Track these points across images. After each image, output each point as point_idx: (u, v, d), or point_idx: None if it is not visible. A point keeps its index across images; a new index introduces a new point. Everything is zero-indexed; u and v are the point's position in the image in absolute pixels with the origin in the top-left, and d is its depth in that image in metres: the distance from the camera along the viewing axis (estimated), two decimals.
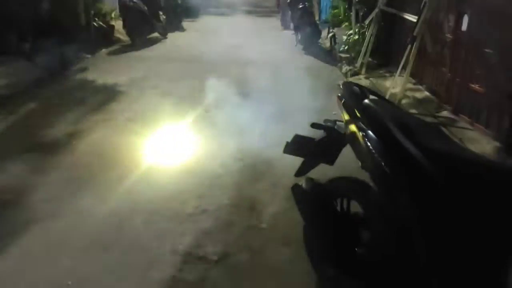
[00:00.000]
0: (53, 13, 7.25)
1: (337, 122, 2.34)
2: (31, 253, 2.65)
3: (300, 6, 9.49)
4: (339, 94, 2.28)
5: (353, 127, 2.04)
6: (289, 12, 10.14)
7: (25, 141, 4.29)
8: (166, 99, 5.65)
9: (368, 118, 2.02)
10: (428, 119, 4.53)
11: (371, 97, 2.14)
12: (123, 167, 3.76)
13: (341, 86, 2.33)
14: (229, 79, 6.75)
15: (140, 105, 5.41)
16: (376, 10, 6.39)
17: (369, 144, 1.93)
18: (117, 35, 9.67)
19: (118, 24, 9.69)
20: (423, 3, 4.65)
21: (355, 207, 2.16)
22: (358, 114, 2.07)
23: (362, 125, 2.02)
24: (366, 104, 2.05)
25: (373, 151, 1.90)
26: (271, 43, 9.84)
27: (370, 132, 1.95)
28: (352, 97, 2.17)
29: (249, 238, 2.83)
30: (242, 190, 3.42)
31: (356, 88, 2.24)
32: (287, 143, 2.41)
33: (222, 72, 7.15)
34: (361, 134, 1.99)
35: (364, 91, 2.22)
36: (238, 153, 4.05)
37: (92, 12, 8.62)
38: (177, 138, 4.50)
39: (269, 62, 7.98)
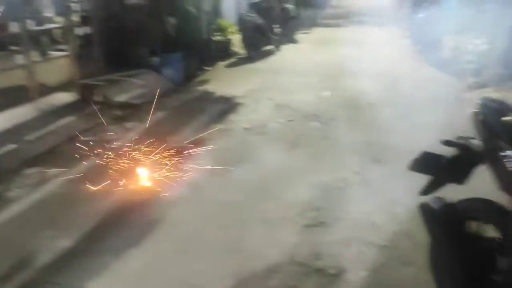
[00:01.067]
0: (179, 28, 7.83)
1: (471, 139, 2.19)
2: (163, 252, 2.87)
3: (421, 15, 9.07)
4: (476, 110, 2.14)
5: (492, 146, 1.90)
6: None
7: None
8: (282, 111, 5.76)
9: (509, 136, 1.87)
10: None
11: None
12: (242, 177, 3.91)
13: (478, 101, 2.18)
14: (343, 91, 6.70)
15: (257, 116, 5.59)
16: (507, 18, 5.87)
17: (510, 165, 1.79)
18: (234, 48, 10.13)
19: (235, 38, 10.16)
20: None
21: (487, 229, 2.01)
22: (497, 132, 1.92)
23: (503, 143, 1.87)
24: (507, 121, 1.90)
25: None
26: (387, 54, 9.52)
27: (511, 152, 1.81)
28: (490, 114, 2.02)
29: (368, 254, 2.76)
30: (360, 206, 3.36)
31: (495, 103, 2.08)
32: (414, 159, 2.32)
33: (336, 84, 7.12)
34: (501, 153, 1.85)
35: (504, 107, 2.05)
36: (358, 171, 3.98)
37: (213, 27, 9.14)
38: (292, 155, 4.53)
39: (385, 73, 7.74)
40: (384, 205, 3.36)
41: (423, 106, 5.81)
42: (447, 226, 2.09)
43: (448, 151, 2.24)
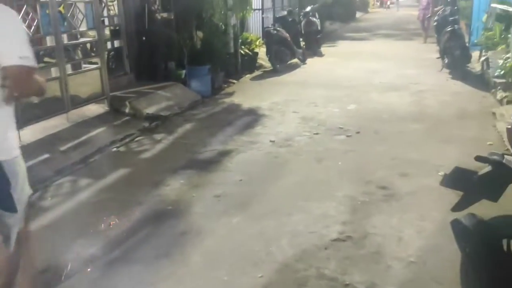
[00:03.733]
0: (206, 42, 7.97)
1: (505, 156, 2.17)
2: (188, 264, 2.91)
3: (449, 29, 8.99)
4: (509, 126, 2.12)
5: None
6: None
7: (183, 158, 4.76)
8: (307, 124, 5.78)
9: None
10: None
11: None
12: (269, 190, 3.94)
13: (511, 118, 2.17)
14: (369, 104, 6.68)
15: (283, 129, 5.62)
16: None
17: None
18: (260, 61, 10.22)
19: (261, 51, 10.25)
20: None
21: None
22: None
23: None
24: None
25: None
26: (413, 67, 9.48)
27: None
28: None
29: (397, 270, 2.74)
30: (386, 220, 3.33)
31: None
32: (446, 175, 2.30)
33: (361, 98, 7.10)
34: None
35: None
36: (385, 185, 3.96)
37: (239, 40, 9.26)
38: (318, 169, 4.53)
39: (411, 87, 7.70)
40: (411, 220, 3.32)
41: (451, 120, 5.76)
42: (481, 244, 2.07)
43: (480, 167, 2.22)
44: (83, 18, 5.99)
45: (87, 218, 3.50)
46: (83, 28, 6.05)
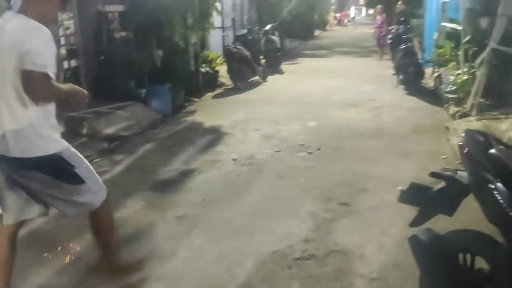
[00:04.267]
0: (166, 60, 7.92)
1: (458, 171, 2.25)
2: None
3: (402, 46, 9.34)
4: (461, 143, 2.20)
5: (479, 178, 1.95)
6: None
7: (144, 179, 4.66)
8: (269, 141, 5.81)
9: (496, 168, 1.92)
10: None
11: (498, 146, 2.03)
12: (232, 210, 3.91)
13: (463, 134, 2.25)
14: (329, 121, 6.81)
15: (245, 146, 5.62)
16: (488, 49, 6.08)
17: (498, 196, 1.83)
18: (221, 79, 10.25)
19: (222, 69, 10.29)
20: None
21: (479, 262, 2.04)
22: (484, 165, 1.98)
23: (489, 176, 1.92)
24: (493, 153, 1.96)
25: (504, 204, 1.80)
26: (370, 84, 9.75)
27: (499, 184, 1.86)
28: (476, 146, 2.08)
29: (358, 287, 2.76)
30: (348, 237, 3.37)
31: (479, 136, 2.14)
32: (402, 191, 2.36)
33: (322, 114, 7.22)
34: (488, 185, 1.89)
35: (489, 140, 2.11)
36: (346, 202, 4.02)
37: (200, 58, 9.26)
38: (280, 186, 4.55)
39: (369, 103, 7.91)
40: (372, 235, 3.37)
41: (407, 135, 5.94)
42: (437, 258, 2.12)
43: (436, 182, 2.29)
44: None
45: (42, 245, 3.35)
46: None
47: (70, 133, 5.73)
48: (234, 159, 5.13)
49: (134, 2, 7.76)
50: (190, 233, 3.49)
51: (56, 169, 2.44)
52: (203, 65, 9.45)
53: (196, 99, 8.60)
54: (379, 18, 14.26)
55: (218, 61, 10.32)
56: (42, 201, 2.59)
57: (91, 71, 7.12)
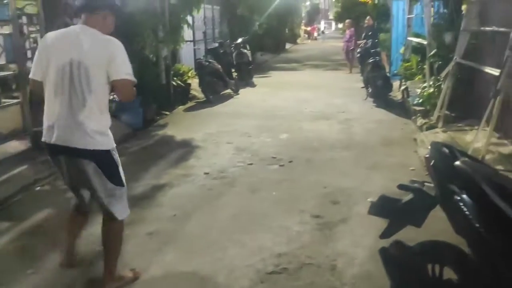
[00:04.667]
0: (136, 74, 7.83)
1: (425, 183, 2.30)
2: None
3: (371, 60, 9.56)
4: (427, 155, 2.26)
5: (445, 190, 2.00)
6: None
7: None
8: (241, 154, 5.81)
9: (461, 180, 1.98)
10: None
11: (462, 158, 2.09)
12: (204, 224, 3.87)
13: (429, 146, 2.31)
14: (300, 133, 6.87)
15: (217, 160, 5.60)
16: (452, 63, 6.28)
17: (464, 208, 1.88)
18: (193, 92, 10.22)
19: (194, 82, 10.27)
20: (505, 57, 4.53)
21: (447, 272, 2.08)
22: (450, 177, 2.03)
23: (455, 188, 1.98)
24: (458, 166, 2.02)
25: (469, 215, 1.85)
26: (340, 96, 9.92)
27: (464, 196, 1.91)
28: (442, 159, 2.14)
29: None
30: (320, 250, 3.38)
31: (445, 148, 2.21)
32: (372, 203, 2.40)
33: (293, 127, 7.29)
34: (454, 197, 1.94)
35: (454, 152, 2.18)
36: (318, 214, 4.04)
37: (172, 71, 9.22)
38: (252, 200, 4.55)
39: (339, 116, 8.03)
40: (344, 247, 3.40)
41: (377, 147, 6.05)
42: (406, 270, 2.15)
43: (405, 194, 2.33)
44: (1, 51, 5.69)
45: (7, 266, 3.23)
46: (2, 61, 5.74)
47: (37, 149, 5.59)
48: (206, 173, 5.10)
49: None
50: (161, 249, 3.43)
51: (107, 165, 2.75)
52: (175, 78, 9.40)
53: (167, 113, 8.53)
54: (348, 32, 14.58)
55: (189, 74, 10.29)
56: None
57: None
